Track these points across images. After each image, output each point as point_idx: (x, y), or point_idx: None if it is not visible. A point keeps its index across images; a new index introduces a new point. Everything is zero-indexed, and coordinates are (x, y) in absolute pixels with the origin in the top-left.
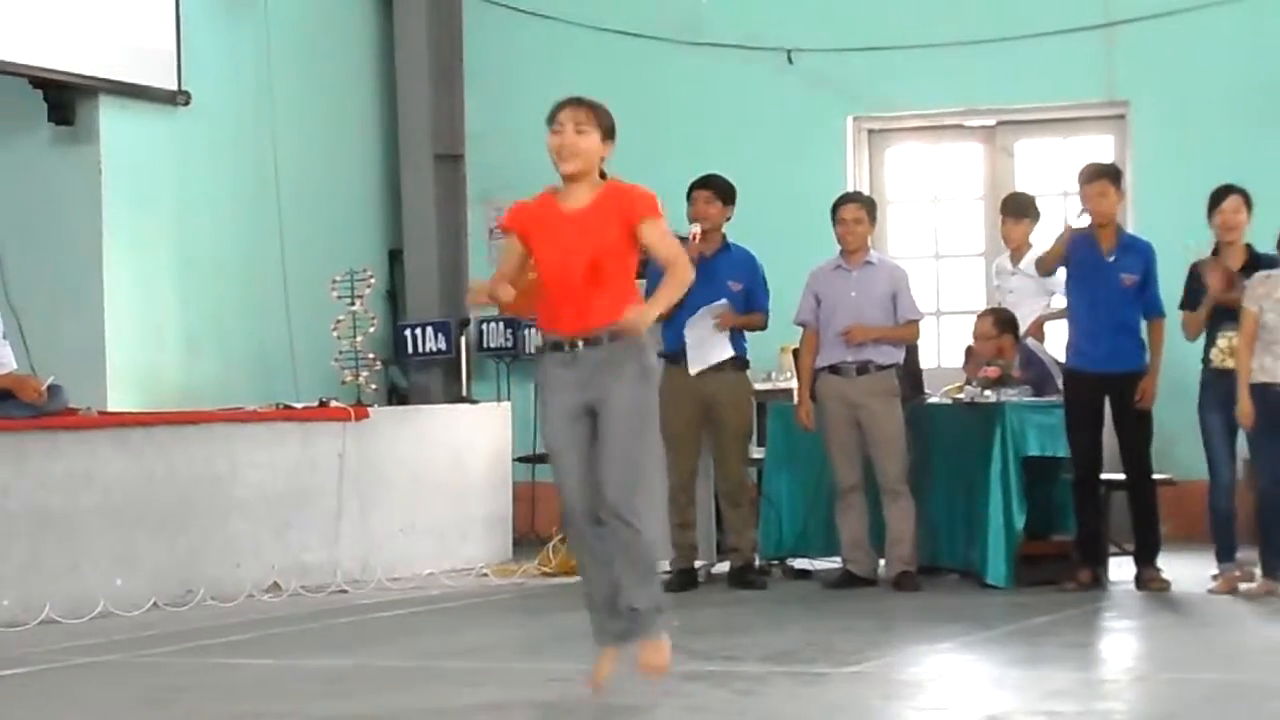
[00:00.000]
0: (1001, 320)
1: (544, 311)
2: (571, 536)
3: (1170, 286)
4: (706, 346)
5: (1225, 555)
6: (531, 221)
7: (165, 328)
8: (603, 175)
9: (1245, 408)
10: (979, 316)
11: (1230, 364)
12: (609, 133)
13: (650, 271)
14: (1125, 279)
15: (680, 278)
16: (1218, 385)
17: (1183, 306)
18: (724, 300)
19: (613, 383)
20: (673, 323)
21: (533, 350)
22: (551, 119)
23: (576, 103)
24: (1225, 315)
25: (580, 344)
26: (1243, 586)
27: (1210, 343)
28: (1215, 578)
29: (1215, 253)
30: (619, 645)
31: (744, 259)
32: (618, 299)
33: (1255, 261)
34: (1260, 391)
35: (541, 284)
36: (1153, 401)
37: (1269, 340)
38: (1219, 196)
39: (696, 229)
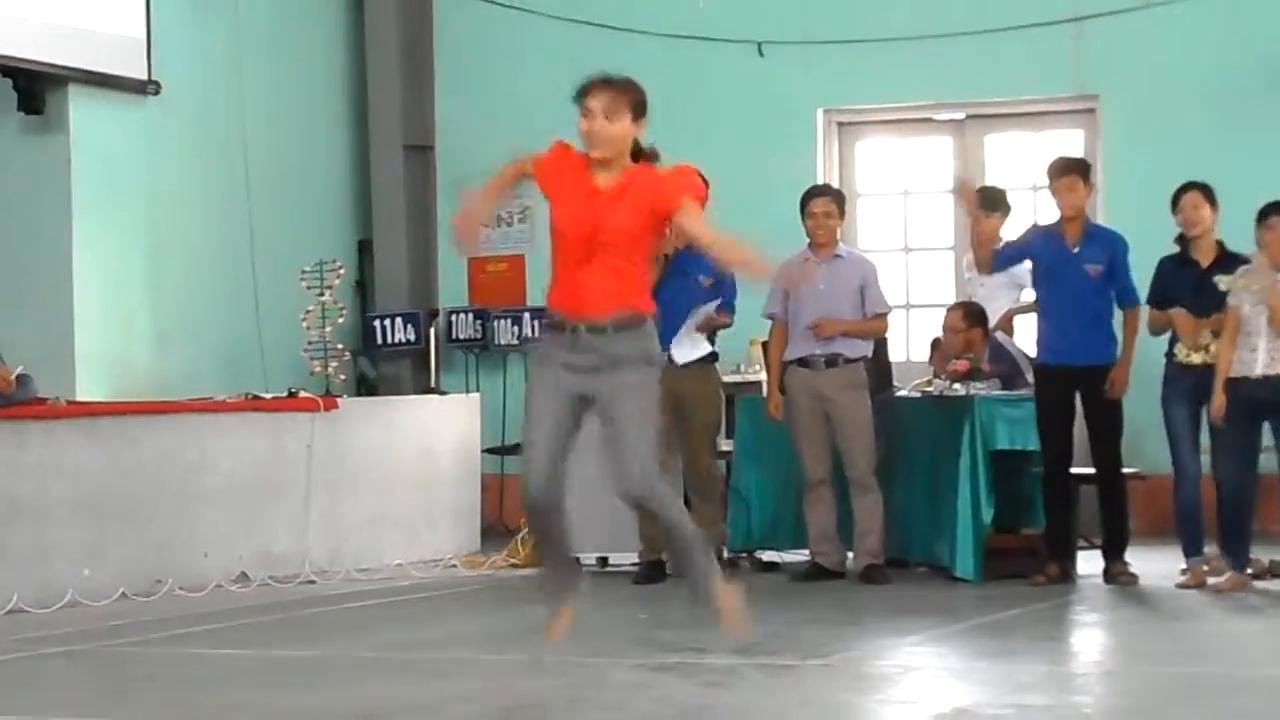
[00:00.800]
0: (971, 313)
1: (552, 285)
2: (530, 515)
3: (1142, 281)
4: (690, 343)
5: (1193, 549)
6: (560, 178)
7: (134, 317)
8: (640, 151)
9: (1219, 400)
10: (949, 310)
11: (1195, 359)
12: (640, 111)
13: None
14: (1090, 269)
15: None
16: (1181, 379)
17: (1149, 301)
18: (713, 305)
19: (616, 377)
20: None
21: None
22: (579, 100)
23: (605, 84)
24: (1193, 312)
25: (583, 330)
26: (1211, 580)
27: (1175, 337)
28: (1184, 572)
29: (1180, 246)
30: (569, 604)
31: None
32: (626, 285)
33: (1225, 257)
34: (1232, 385)
35: (553, 249)
36: (1124, 391)
37: (1244, 332)
38: (1179, 193)
39: None
